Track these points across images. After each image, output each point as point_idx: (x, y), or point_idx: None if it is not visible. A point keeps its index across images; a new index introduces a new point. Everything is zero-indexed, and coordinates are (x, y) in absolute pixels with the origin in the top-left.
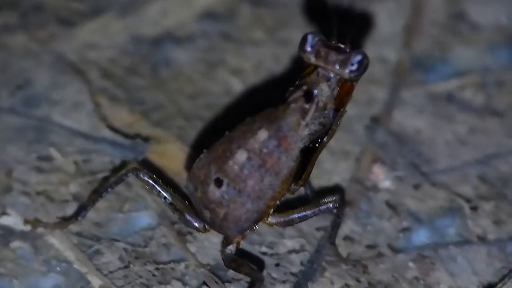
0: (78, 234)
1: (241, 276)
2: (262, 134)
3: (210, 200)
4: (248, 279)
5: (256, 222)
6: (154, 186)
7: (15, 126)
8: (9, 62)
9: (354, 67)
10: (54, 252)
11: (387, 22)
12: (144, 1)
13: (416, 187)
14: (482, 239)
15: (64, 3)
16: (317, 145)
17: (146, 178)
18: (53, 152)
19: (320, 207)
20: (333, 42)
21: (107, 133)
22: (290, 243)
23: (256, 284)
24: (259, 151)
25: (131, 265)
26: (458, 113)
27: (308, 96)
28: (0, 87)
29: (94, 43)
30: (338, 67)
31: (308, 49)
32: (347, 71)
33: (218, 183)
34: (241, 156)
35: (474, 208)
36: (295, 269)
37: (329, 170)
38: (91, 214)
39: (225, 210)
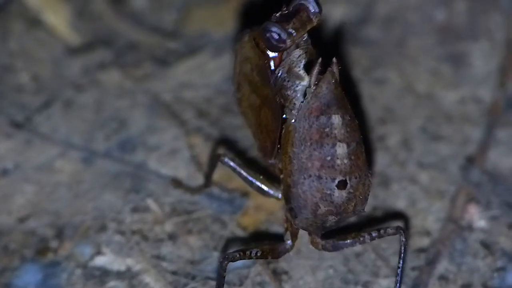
0: (173, 272)
1: None
2: (337, 117)
3: (346, 204)
4: None
5: None
6: (240, 172)
7: (111, 172)
8: (104, 101)
9: (317, 10)
10: None
11: (482, 62)
12: None
13: (511, 226)
14: None
15: (159, 42)
16: None
17: (231, 164)
18: (150, 203)
19: (381, 232)
20: (282, 12)
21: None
22: (385, 282)
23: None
24: (346, 130)
25: None
26: None
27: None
28: (96, 129)
29: (189, 83)
30: (308, 27)
31: (284, 40)
32: (315, 19)
33: (343, 185)
34: (341, 149)
35: None
36: None
37: (424, 209)
38: (186, 253)
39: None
